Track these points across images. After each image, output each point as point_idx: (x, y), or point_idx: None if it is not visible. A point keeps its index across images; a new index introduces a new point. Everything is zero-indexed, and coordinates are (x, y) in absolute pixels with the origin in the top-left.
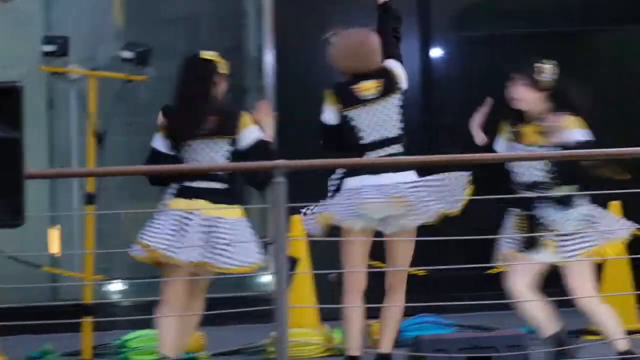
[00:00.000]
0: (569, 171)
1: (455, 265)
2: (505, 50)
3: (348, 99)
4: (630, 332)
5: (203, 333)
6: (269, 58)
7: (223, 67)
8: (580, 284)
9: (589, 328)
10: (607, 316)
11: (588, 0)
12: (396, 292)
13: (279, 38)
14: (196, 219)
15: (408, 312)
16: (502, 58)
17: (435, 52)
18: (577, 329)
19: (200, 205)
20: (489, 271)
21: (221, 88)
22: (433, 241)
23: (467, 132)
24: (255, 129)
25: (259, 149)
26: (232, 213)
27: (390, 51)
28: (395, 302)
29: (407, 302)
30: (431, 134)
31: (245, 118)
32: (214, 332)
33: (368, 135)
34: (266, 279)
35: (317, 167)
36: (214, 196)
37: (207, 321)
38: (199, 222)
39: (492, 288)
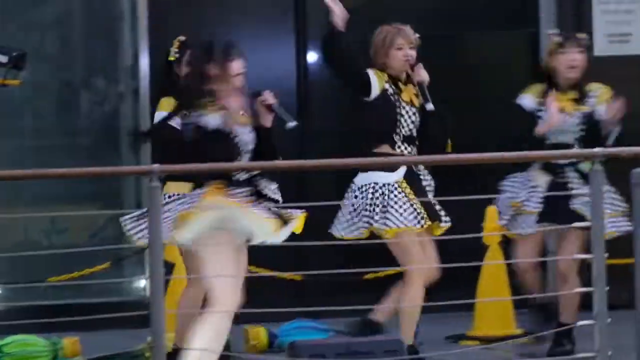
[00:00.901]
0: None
1: (332, 270)
2: None
3: None
4: (508, 337)
5: (78, 338)
6: (144, 62)
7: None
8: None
9: (468, 333)
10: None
11: (467, 5)
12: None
13: (154, 42)
14: None
15: (285, 317)
16: None
17: (311, 57)
18: (456, 334)
19: None
20: (366, 276)
21: None
22: (310, 246)
23: (342, 136)
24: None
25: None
26: None
27: None
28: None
29: (284, 306)
30: (305, 139)
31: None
32: (90, 338)
33: None
34: (142, 283)
35: (193, 171)
36: None
37: (83, 326)
38: None
39: (369, 292)
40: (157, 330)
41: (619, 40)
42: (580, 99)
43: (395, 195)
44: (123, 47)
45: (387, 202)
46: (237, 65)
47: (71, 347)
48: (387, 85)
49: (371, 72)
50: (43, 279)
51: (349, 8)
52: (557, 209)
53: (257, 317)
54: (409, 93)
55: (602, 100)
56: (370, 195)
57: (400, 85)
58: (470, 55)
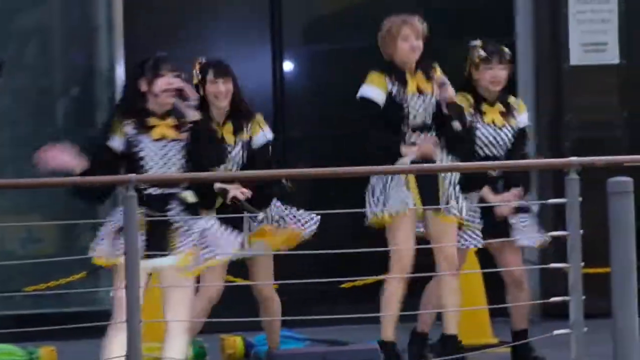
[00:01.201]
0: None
1: (309, 280)
2: (357, 63)
3: None
4: (484, 346)
5: (55, 348)
6: (120, 72)
7: None
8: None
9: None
10: None
11: (443, 15)
12: None
13: (130, 52)
14: None
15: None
16: (352, 71)
17: (287, 66)
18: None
19: None
20: (343, 285)
21: None
22: (286, 255)
23: (318, 145)
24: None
25: None
26: None
27: None
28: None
29: (259, 316)
30: (282, 147)
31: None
32: (67, 347)
33: None
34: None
35: (169, 180)
36: None
37: (59, 336)
38: None
39: (345, 301)
40: (132, 339)
41: (595, 49)
42: (507, 112)
43: (393, 180)
44: (99, 56)
45: (386, 187)
46: (162, 82)
47: (48, 356)
48: (390, 86)
49: (370, 90)
50: (19, 289)
51: (326, 14)
52: (491, 222)
53: (233, 327)
54: (416, 82)
55: (521, 112)
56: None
57: (408, 76)
58: (446, 65)
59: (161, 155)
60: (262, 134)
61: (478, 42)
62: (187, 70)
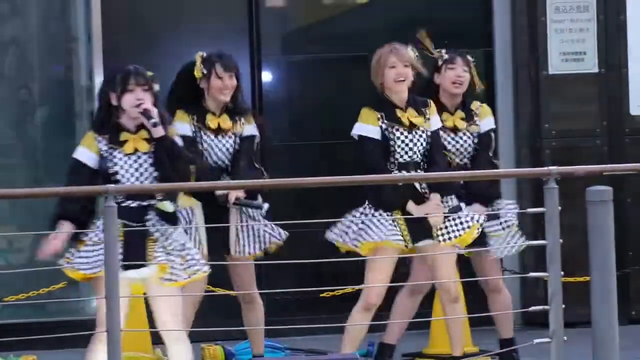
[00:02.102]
0: None
1: (288, 289)
2: (335, 73)
3: None
4: (464, 356)
5: (36, 357)
6: (98, 82)
7: None
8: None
9: (424, 351)
10: None
11: (421, 23)
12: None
13: (109, 63)
14: None
15: (242, 336)
16: (331, 81)
17: (266, 76)
18: (412, 352)
19: None
20: (322, 294)
21: None
22: (266, 264)
23: (297, 152)
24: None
25: None
26: None
27: None
28: None
29: (238, 325)
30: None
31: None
32: (48, 357)
33: None
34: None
35: (147, 191)
36: None
37: (40, 345)
38: None
39: (325, 311)
40: (112, 348)
41: (574, 58)
42: (468, 118)
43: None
44: (78, 67)
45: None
46: (130, 98)
47: None
48: (379, 122)
49: (363, 127)
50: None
51: (303, 25)
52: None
53: (213, 336)
54: (408, 117)
55: (482, 118)
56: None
57: (398, 111)
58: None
59: (135, 168)
60: (252, 127)
61: (442, 49)
62: (164, 81)
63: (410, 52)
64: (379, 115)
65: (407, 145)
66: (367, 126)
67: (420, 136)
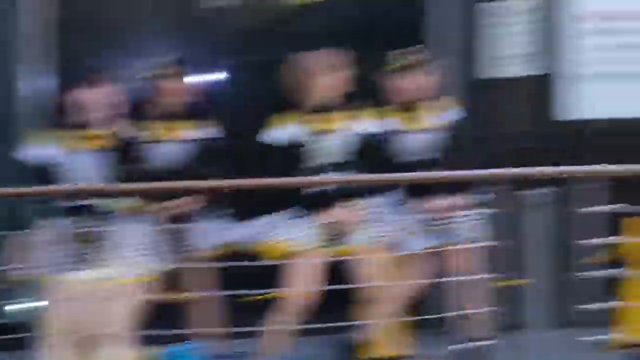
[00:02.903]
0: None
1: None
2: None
3: None
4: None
5: None
6: (53, 85)
7: None
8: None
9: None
10: None
11: (356, 26)
12: None
13: (64, 64)
14: None
15: (176, 339)
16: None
17: (220, 76)
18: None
19: None
20: (242, 299)
21: None
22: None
23: (244, 154)
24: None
25: None
26: None
27: None
28: None
29: (175, 328)
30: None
31: None
32: None
33: None
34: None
35: (115, 190)
36: None
37: None
38: None
39: (261, 315)
40: (57, 353)
41: (506, 62)
42: (418, 118)
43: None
44: (32, 68)
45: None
46: (90, 95)
47: None
48: (294, 128)
49: (272, 133)
50: None
51: (258, 27)
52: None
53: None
54: (329, 120)
55: (436, 113)
56: None
57: (316, 115)
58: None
59: (96, 165)
60: (210, 130)
61: (397, 52)
62: (122, 80)
63: (335, 57)
64: (294, 118)
65: (323, 148)
66: (277, 130)
67: (343, 139)
